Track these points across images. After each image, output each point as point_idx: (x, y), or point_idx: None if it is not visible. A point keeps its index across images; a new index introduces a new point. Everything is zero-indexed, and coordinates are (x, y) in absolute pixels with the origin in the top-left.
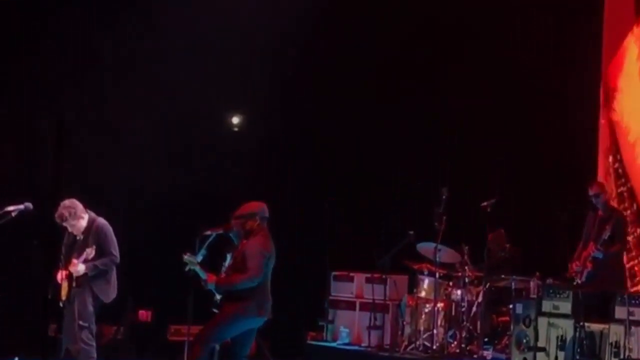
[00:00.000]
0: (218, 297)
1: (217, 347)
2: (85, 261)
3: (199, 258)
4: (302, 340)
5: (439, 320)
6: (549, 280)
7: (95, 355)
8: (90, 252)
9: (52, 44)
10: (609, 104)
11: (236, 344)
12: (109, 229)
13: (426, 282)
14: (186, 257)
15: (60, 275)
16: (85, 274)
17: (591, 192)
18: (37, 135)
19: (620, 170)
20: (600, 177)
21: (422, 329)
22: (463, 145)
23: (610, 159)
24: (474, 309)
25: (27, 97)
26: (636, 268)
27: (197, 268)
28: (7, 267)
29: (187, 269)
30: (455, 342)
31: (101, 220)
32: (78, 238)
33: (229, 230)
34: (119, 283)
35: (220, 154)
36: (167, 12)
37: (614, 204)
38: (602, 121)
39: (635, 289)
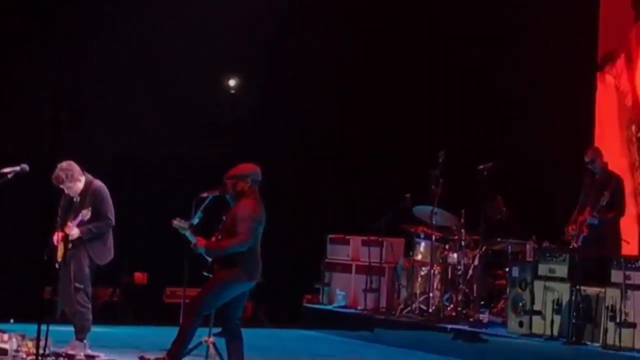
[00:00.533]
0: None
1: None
2: (80, 223)
3: (196, 220)
4: (299, 303)
5: (435, 284)
6: (545, 244)
7: (90, 317)
8: (85, 213)
9: (49, 12)
10: (632, 71)
11: (229, 308)
12: (106, 192)
13: (422, 245)
14: (176, 223)
15: (56, 236)
16: (80, 237)
17: (587, 159)
18: (34, 101)
19: None
20: (599, 147)
21: (418, 292)
22: (460, 109)
23: (633, 128)
24: (470, 272)
25: (25, 66)
26: None
27: (188, 232)
28: (2, 228)
29: (183, 232)
30: (452, 306)
31: (98, 183)
32: (75, 200)
33: (226, 192)
34: (115, 245)
35: (216, 116)
36: None
37: (638, 173)
38: (599, 85)
39: None
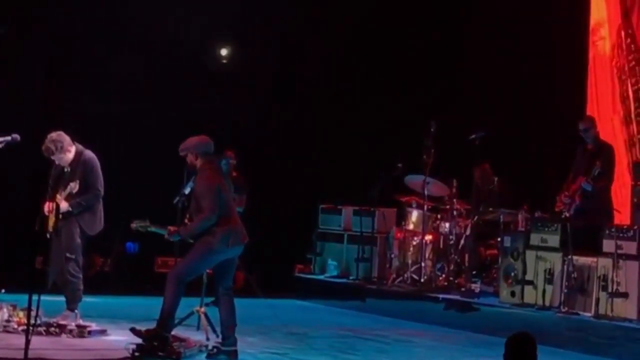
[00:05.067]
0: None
1: (205, 279)
2: (69, 195)
3: (187, 190)
4: (290, 273)
5: (427, 253)
6: (538, 214)
7: (81, 287)
8: (74, 186)
9: None
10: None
11: (216, 275)
12: (96, 163)
13: (414, 215)
14: (134, 225)
15: (47, 207)
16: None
17: (581, 127)
18: (27, 66)
19: None
20: (589, 111)
21: (410, 261)
22: (452, 78)
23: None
24: (462, 241)
25: (18, 29)
26: None
27: (153, 228)
28: None
29: (147, 230)
30: (444, 275)
31: (89, 153)
32: (66, 170)
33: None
34: (107, 215)
35: (209, 85)
36: None
37: (634, 128)
38: (591, 52)
39: None
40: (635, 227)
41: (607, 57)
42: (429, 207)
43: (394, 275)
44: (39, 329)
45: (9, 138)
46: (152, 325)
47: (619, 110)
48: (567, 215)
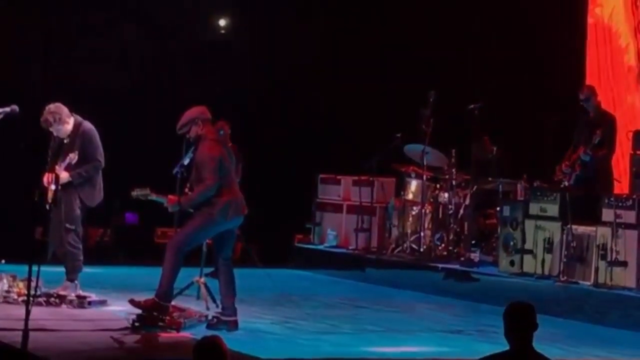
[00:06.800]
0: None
1: (204, 249)
2: (68, 166)
3: (186, 160)
4: (290, 243)
5: (426, 223)
6: (537, 183)
7: (81, 258)
8: (73, 157)
9: None
10: None
11: (215, 246)
12: (95, 134)
13: (413, 185)
14: (135, 193)
15: (47, 178)
16: (70, 181)
17: (582, 96)
18: (23, 39)
19: None
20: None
21: (409, 231)
22: (451, 48)
23: None
24: (462, 211)
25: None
26: None
27: (153, 196)
28: None
29: (147, 198)
30: (443, 245)
31: (87, 125)
32: (65, 141)
33: (190, 143)
34: (106, 186)
35: (207, 56)
36: None
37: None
38: (590, 20)
39: None
40: (634, 196)
41: (605, 25)
42: (428, 176)
43: (393, 245)
44: (39, 299)
45: (7, 109)
46: (151, 296)
47: (634, 67)
48: (567, 184)
